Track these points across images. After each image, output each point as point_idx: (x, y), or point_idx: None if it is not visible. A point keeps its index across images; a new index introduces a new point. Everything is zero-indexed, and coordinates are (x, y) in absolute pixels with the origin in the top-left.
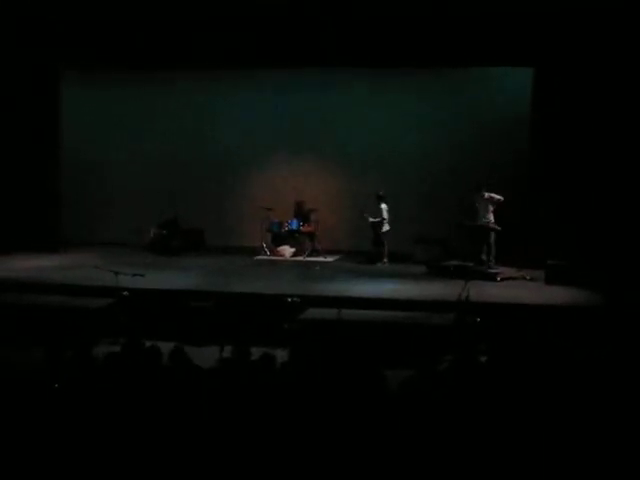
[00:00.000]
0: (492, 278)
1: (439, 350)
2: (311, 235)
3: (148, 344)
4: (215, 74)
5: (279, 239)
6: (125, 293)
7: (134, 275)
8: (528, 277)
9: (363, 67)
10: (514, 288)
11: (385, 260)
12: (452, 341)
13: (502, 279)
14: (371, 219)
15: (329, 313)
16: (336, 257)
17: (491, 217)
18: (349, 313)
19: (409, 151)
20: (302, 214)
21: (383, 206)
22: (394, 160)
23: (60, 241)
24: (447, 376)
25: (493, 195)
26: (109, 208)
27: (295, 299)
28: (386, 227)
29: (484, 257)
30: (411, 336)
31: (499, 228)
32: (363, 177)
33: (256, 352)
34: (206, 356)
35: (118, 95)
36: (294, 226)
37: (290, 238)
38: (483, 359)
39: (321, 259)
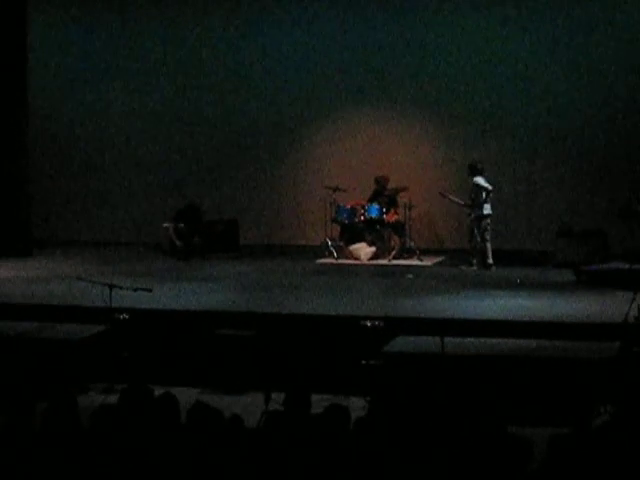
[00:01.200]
0: None
1: (596, 397)
2: (399, 227)
3: (158, 392)
4: None
5: (352, 233)
6: (124, 316)
7: (137, 290)
8: None
9: None
10: None
11: (474, 263)
12: (615, 384)
13: None
14: (457, 200)
15: (428, 343)
16: (438, 259)
17: None
18: (458, 343)
19: (547, 102)
20: (386, 196)
21: (478, 179)
22: (526, 116)
23: (33, 242)
24: (607, 436)
25: None
26: (98, 195)
27: (377, 323)
28: (484, 210)
29: None
30: (553, 377)
31: None
32: (479, 142)
33: (320, 402)
34: (245, 408)
35: (106, 37)
36: (374, 213)
37: (368, 232)
38: None
39: (415, 262)
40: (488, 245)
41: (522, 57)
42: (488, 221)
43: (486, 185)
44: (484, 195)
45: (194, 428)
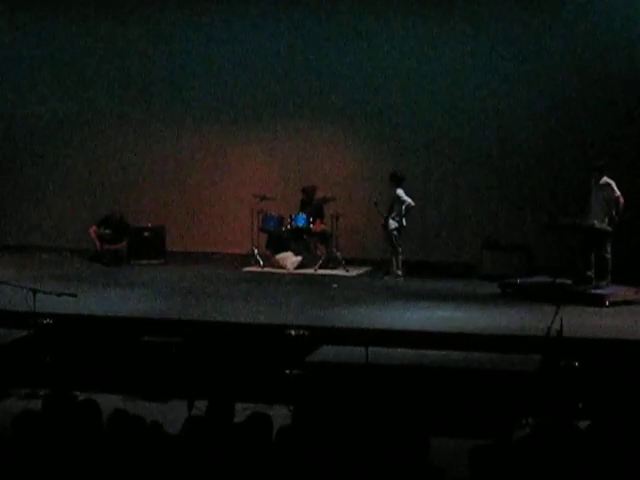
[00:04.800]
0: (598, 302)
1: (517, 410)
2: (326, 237)
3: (81, 397)
4: None
5: (278, 242)
6: (48, 321)
7: (61, 294)
8: None
9: None
10: (630, 317)
11: (398, 272)
12: (536, 397)
13: (612, 303)
14: (383, 213)
15: (352, 353)
16: (363, 270)
17: (607, 216)
18: (382, 353)
19: (477, 114)
20: (313, 205)
21: (400, 192)
22: (453, 129)
23: None
24: (528, 449)
25: (613, 186)
26: (24, 199)
27: (302, 332)
28: (397, 222)
29: (590, 272)
30: (476, 388)
31: (609, 228)
32: (406, 153)
33: (243, 410)
34: (168, 416)
35: (38, 28)
36: (301, 223)
37: (295, 241)
38: (582, 424)
39: (341, 272)
40: (399, 257)
41: (449, 71)
42: (398, 234)
43: (409, 200)
44: (403, 208)
45: (115, 434)
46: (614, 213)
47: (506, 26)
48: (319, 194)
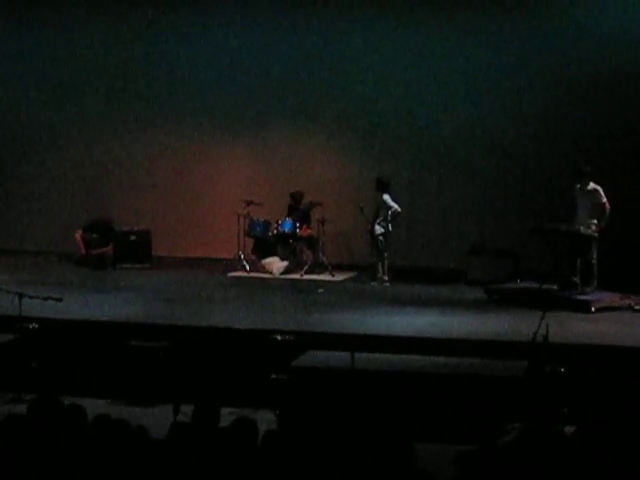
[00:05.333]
0: (584, 308)
1: (502, 415)
2: (312, 242)
3: (67, 402)
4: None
5: (265, 248)
6: (33, 326)
7: (47, 299)
8: (637, 307)
9: None
10: (616, 323)
11: (385, 278)
12: (522, 402)
13: (598, 309)
14: (368, 218)
15: (337, 358)
16: (349, 275)
17: (594, 222)
18: (367, 359)
19: (464, 119)
20: (300, 210)
21: (387, 197)
22: (441, 134)
23: None
24: (513, 454)
25: (600, 192)
26: (10, 203)
27: (287, 337)
28: (384, 227)
29: (575, 278)
30: (460, 394)
31: (595, 234)
32: (392, 158)
33: (228, 415)
34: (154, 420)
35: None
36: (287, 228)
37: (281, 246)
38: (568, 429)
39: (327, 277)
40: (384, 262)
41: (436, 78)
42: (384, 239)
43: (395, 206)
44: (390, 214)
45: (100, 439)
46: (600, 219)
47: (493, 34)
48: (306, 199)
